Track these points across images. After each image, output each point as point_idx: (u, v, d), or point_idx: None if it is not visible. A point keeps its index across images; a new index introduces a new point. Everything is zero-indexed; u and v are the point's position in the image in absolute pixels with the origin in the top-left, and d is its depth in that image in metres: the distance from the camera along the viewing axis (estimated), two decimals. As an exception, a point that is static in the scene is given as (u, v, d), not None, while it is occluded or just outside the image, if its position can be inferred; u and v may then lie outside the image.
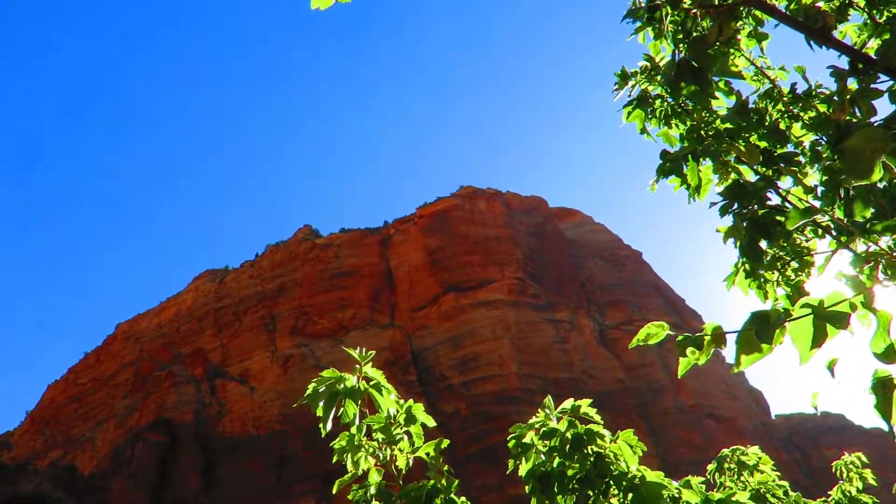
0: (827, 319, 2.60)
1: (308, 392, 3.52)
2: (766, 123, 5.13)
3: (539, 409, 4.75)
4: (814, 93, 5.28)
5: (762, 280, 4.92)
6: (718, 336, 2.86)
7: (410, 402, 3.65)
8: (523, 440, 4.68)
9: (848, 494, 7.62)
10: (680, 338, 2.75)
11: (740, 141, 5.04)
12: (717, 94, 5.04)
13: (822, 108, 5.24)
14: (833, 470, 7.92)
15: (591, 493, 4.41)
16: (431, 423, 3.68)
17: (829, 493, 7.73)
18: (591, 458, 4.55)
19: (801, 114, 5.37)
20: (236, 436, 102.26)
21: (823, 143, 5.15)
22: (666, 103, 5.17)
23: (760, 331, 2.61)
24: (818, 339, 2.59)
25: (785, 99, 5.34)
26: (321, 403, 3.45)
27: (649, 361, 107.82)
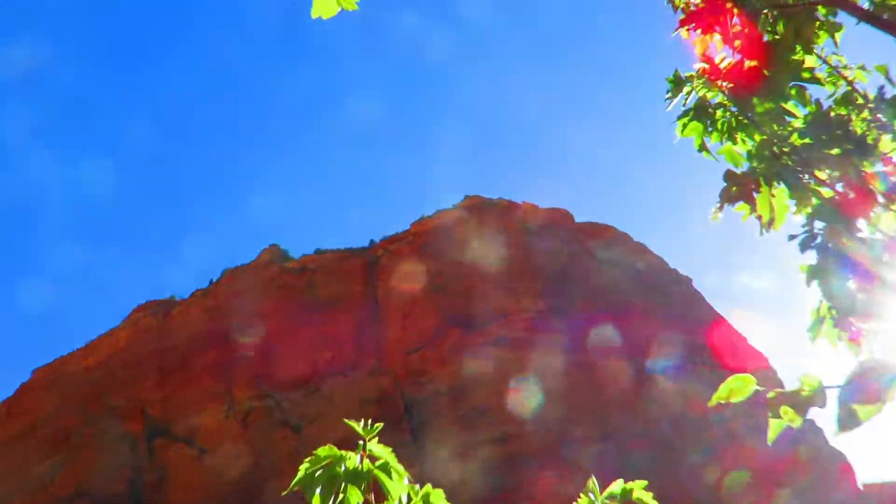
0: None
1: (300, 475, 3.61)
2: (852, 136, 5.28)
3: (581, 495, 4.84)
4: (903, 97, 5.43)
5: (853, 330, 5.04)
6: (819, 394, 2.93)
7: (428, 487, 3.74)
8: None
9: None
10: (772, 394, 2.86)
11: (832, 150, 5.16)
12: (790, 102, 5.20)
13: (917, 116, 5.39)
14: None
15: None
16: (452, 511, 3.77)
17: None
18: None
19: (892, 123, 5.51)
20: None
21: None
22: (729, 114, 5.33)
23: (872, 388, 2.68)
24: None
25: (870, 105, 5.49)
26: (318, 491, 3.54)
27: (700, 414, 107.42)
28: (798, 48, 4.19)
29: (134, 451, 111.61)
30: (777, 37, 4.29)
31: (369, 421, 3.64)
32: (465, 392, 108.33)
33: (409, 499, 3.71)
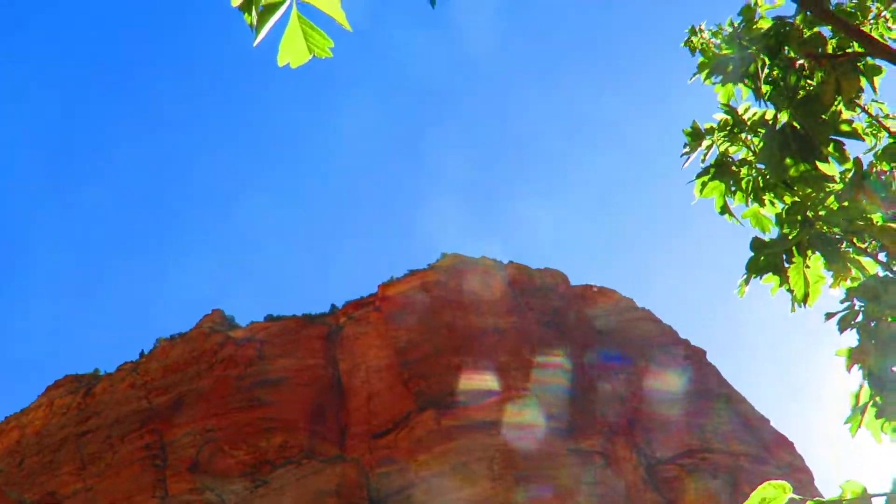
0: None
1: None
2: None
3: None
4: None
5: (900, 420, 5.07)
6: (864, 502, 2.96)
7: None
8: None
9: None
10: (811, 503, 2.88)
11: (874, 215, 5.22)
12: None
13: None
14: None
15: None
16: None
17: None
18: None
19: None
20: None
21: None
22: (755, 171, 5.41)
23: None
24: None
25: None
26: None
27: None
28: (838, 100, 4.26)
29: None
30: (813, 89, 4.37)
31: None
32: (442, 485, 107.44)
33: None
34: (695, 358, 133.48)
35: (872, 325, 4.98)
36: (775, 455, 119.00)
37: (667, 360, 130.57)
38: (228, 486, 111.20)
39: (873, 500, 3.11)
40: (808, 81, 4.21)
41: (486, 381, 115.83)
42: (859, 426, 5.35)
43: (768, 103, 4.90)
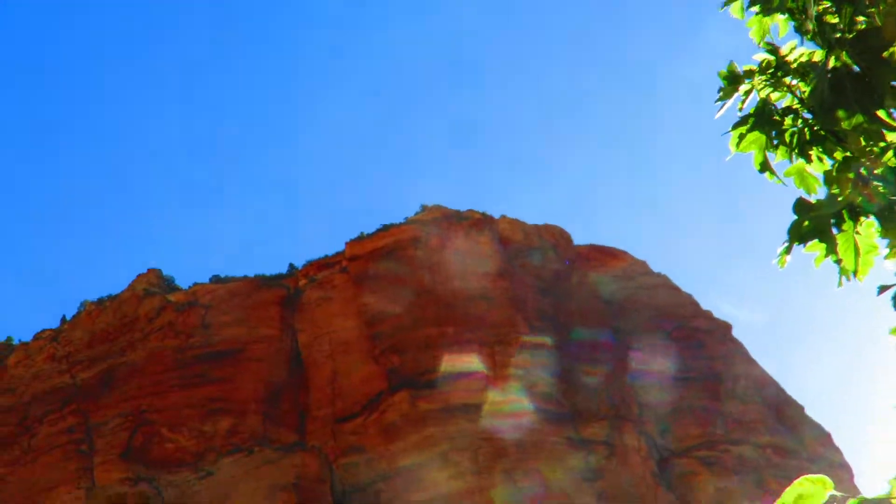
0: None
1: None
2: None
3: None
4: None
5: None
6: None
7: None
8: None
9: None
10: (852, 502, 3.00)
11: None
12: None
13: None
14: None
15: None
16: None
17: None
18: None
19: None
20: None
21: None
22: (802, 121, 5.47)
23: None
24: None
25: None
26: None
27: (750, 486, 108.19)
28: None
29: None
30: (870, 23, 4.43)
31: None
32: (417, 476, 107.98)
33: None
34: (718, 332, 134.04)
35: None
36: (809, 448, 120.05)
37: (684, 333, 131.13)
38: (167, 477, 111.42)
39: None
40: (863, 17, 4.26)
41: (471, 358, 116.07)
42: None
43: (815, 43, 4.97)
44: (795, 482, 3.34)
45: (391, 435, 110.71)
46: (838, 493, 3.29)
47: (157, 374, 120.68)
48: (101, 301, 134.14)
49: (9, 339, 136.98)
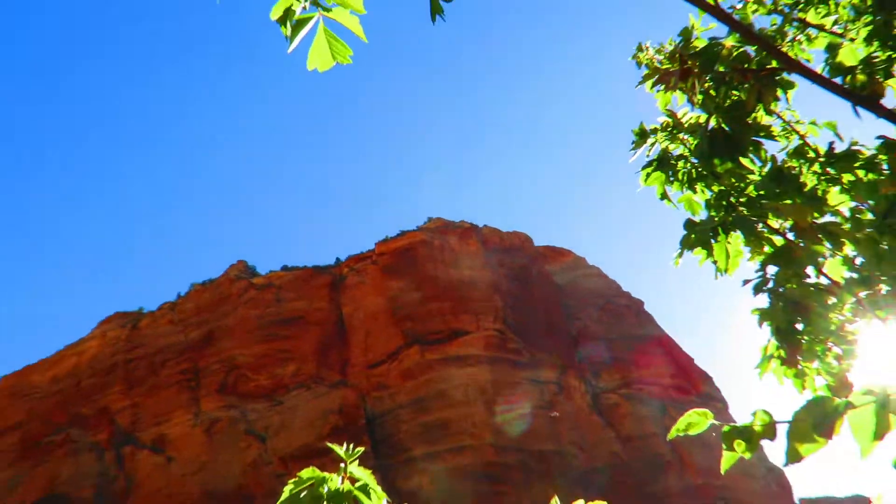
0: (893, 409, 2.81)
1: (284, 496, 3.67)
2: (804, 189, 5.46)
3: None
4: (852, 153, 5.63)
5: (799, 369, 5.20)
6: (770, 428, 3.06)
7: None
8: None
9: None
10: (726, 429, 2.98)
11: (785, 201, 5.32)
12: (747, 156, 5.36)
13: (862, 174, 5.58)
14: None
15: None
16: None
17: None
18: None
19: (840, 176, 5.71)
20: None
21: (865, 209, 5.49)
22: (690, 165, 5.49)
23: (819, 423, 2.82)
24: (881, 431, 2.79)
25: (821, 159, 5.69)
26: (302, 512, 3.60)
27: (650, 432, 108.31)
28: (759, 107, 4.36)
29: (101, 458, 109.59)
30: (738, 97, 4.45)
31: (351, 445, 3.71)
32: (425, 406, 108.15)
33: (392, 521, 3.78)
34: (634, 307, 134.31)
35: (780, 290, 5.09)
36: (697, 389, 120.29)
37: (611, 309, 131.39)
38: (250, 405, 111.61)
39: (777, 426, 3.24)
40: (734, 92, 4.29)
41: (463, 322, 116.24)
42: (766, 371, 5.49)
43: (701, 109, 4.99)
44: (685, 414, 3.33)
45: (406, 377, 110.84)
46: (717, 422, 3.28)
47: (243, 333, 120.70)
48: (204, 283, 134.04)
49: (140, 308, 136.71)
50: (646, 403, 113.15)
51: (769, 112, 4.80)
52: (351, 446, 3.95)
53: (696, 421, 3.28)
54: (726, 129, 4.23)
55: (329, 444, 4.10)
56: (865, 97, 4.18)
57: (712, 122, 4.39)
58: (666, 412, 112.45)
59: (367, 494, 3.95)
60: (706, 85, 4.79)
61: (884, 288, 5.20)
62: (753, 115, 4.55)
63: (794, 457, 3.00)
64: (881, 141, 4.32)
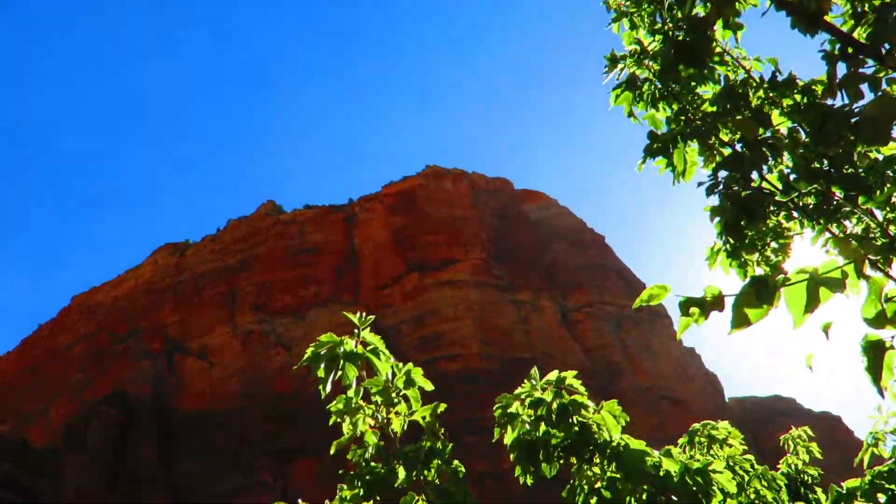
0: (822, 284, 2.76)
1: (308, 355, 3.60)
2: (752, 106, 5.29)
3: (525, 380, 4.88)
4: (791, 80, 5.45)
5: (742, 260, 5.11)
6: (718, 299, 2.98)
7: (410, 365, 3.75)
8: (509, 410, 4.81)
9: (794, 466, 7.95)
10: (682, 299, 2.89)
11: (734, 117, 5.18)
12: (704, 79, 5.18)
13: (799, 98, 5.41)
14: (781, 444, 8.24)
15: (575, 461, 4.57)
16: (429, 386, 3.79)
17: (777, 467, 8.02)
18: (576, 427, 4.69)
19: (781, 101, 5.54)
20: (194, 412, 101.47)
21: (801, 130, 5.33)
22: (654, 86, 5.29)
23: (760, 292, 2.75)
24: (812, 304, 2.74)
25: (765, 86, 5.51)
26: (322, 365, 3.53)
27: (608, 343, 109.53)
28: (718, 23, 4.18)
29: (155, 363, 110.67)
30: (700, 15, 4.26)
31: (363, 314, 3.65)
32: (422, 321, 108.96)
33: (394, 374, 3.74)
34: (597, 241, 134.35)
35: (729, 191, 4.98)
36: (647, 307, 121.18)
37: (578, 242, 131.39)
38: (278, 320, 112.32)
39: (726, 299, 3.15)
40: (698, 8, 4.09)
41: (454, 252, 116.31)
42: (714, 264, 5.40)
43: (647, 32, 4.86)
44: (647, 288, 3.21)
45: (407, 298, 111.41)
46: (676, 295, 3.16)
47: (273, 261, 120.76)
48: (239, 219, 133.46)
49: (187, 240, 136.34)
50: (605, 320, 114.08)
51: (727, 26, 4.59)
52: (363, 314, 3.86)
53: (656, 293, 3.17)
54: (689, 39, 4.04)
55: (345, 312, 4.02)
56: (810, 14, 3.98)
57: (679, 35, 4.20)
58: (621, 327, 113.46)
59: (377, 355, 3.89)
60: (671, 2, 4.60)
61: (811, 200, 5.10)
62: (711, 29, 4.36)
63: (740, 322, 2.92)
64: (822, 54, 4.13)
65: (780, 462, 8.01)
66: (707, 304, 3.04)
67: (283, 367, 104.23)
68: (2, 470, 69.90)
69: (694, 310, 3.08)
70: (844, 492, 4.01)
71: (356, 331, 3.73)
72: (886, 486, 4.44)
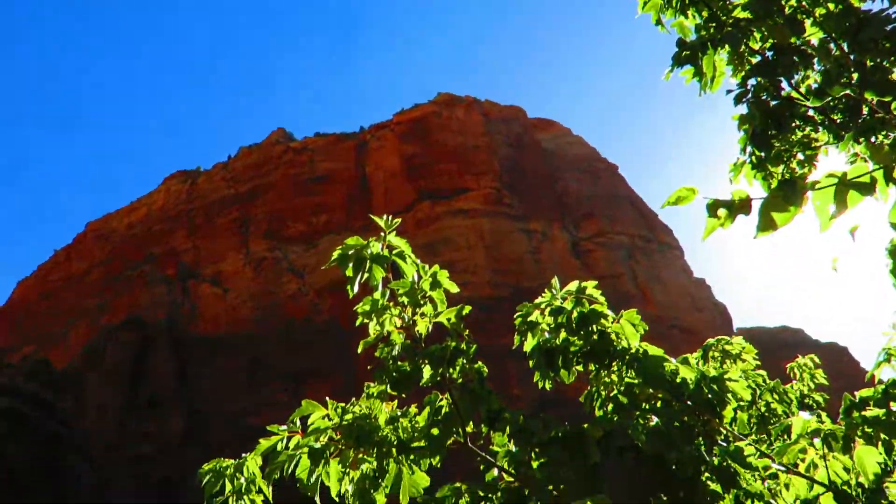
0: (852, 187, 2.75)
1: (335, 256, 3.63)
2: (784, 12, 5.13)
3: (545, 290, 4.92)
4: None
5: (768, 172, 5.04)
6: (746, 202, 2.98)
7: (436, 267, 3.79)
8: (529, 318, 4.87)
9: (800, 392, 8.06)
10: (710, 201, 2.88)
11: (769, 22, 5.02)
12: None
13: (832, 7, 5.23)
14: (787, 372, 8.33)
15: (594, 367, 4.65)
16: (455, 288, 3.84)
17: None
18: (595, 336, 4.76)
19: (814, 10, 5.36)
20: (209, 336, 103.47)
21: (832, 42, 5.18)
22: (684, -7, 5.12)
23: (789, 193, 2.74)
24: (840, 207, 2.74)
25: (799, -6, 5.32)
26: (350, 265, 3.57)
27: (619, 273, 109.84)
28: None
29: (170, 289, 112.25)
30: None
31: (389, 217, 3.66)
32: (434, 250, 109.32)
33: (420, 277, 3.78)
34: (609, 169, 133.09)
35: (757, 98, 4.91)
36: (658, 237, 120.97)
37: (590, 171, 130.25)
38: (290, 248, 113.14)
39: (753, 202, 3.13)
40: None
41: (466, 181, 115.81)
42: (738, 176, 5.35)
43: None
44: (675, 190, 3.18)
45: (419, 226, 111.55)
46: (705, 197, 3.14)
47: (283, 189, 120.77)
48: (251, 146, 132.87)
49: (198, 167, 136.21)
50: (616, 250, 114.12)
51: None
52: (389, 218, 3.87)
53: (684, 195, 3.15)
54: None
55: (371, 216, 4.03)
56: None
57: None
58: (632, 257, 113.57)
59: (403, 259, 3.92)
60: None
61: (838, 116, 5.03)
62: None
63: (766, 226, 2.91)
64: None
65: (786, 388, 8.10)
66: (734, 207, 3.03)
67: (295, 294, 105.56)
68: (28, 390, 72.02)
69: (722, 212, 3.07)
70: (857, 400, 4.08)
71: (382, 234, 3.75)
72: (901, 394, 4.49)
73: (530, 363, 4.85)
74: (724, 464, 3.60)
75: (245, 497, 4.82)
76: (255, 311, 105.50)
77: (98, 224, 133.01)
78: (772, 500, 3.45)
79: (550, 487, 3.24)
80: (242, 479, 4.93)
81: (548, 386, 4.76)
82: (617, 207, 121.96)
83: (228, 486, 4.95)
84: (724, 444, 3.85)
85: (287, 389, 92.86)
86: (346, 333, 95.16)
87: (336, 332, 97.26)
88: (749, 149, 5.14)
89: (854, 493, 3.75)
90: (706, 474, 3.61)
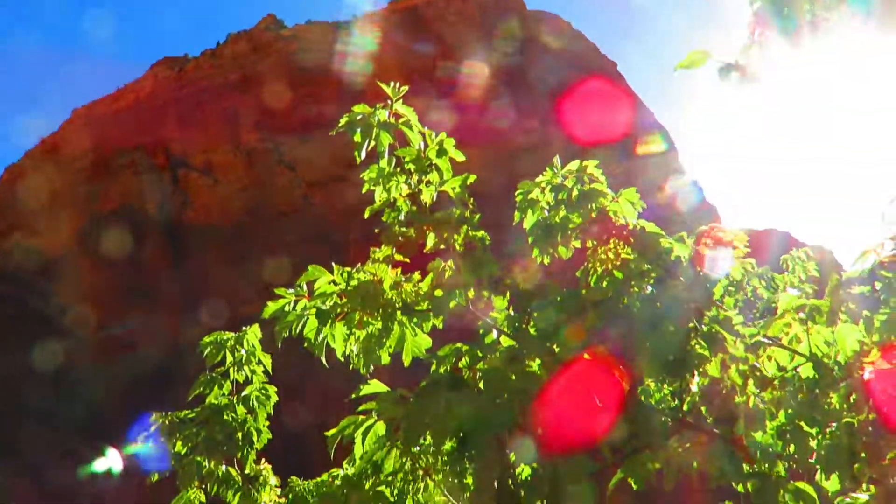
0: None
1: (343, 122, 3.68)
2: None
3: (546, 169, 5.00)
4: None
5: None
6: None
7: (443, 135, 3.84)
8: (529, 196, 4.98)
9: (790, 283, 8.27)
10: (721, 65, 2.93)
11: None
12: None
13: None
14: (780, 264, 8.50)
15: (591, 244, 4.79)
16: (461, 157, 3.90)
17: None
18: (594, 213, 4.88)
19: None
20: (201, 226, 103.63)
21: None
22: None
23: None
24: None
25: None
26: (358, 130, 3.62)
27: (612, 172, 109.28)
28: None
29: (160, 179, 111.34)
30: None
31: (397, 84, 3.68)
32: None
33: (426, 145, 3.84)
34: (609, 67, 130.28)
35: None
36: (647, 143, 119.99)
37: (589, 69, 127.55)
38: (282, 139, 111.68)
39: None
40: None
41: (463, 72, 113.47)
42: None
43: None
44: (688, 53, 3.21)
45: (419, 118, 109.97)
46: (714, 59, 3.15)
47: (274, 79, 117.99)
48: (239, 33, 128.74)
49: (186, 54, 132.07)
50: (610, 150, 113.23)
51: None
52: (397, 85, 3.88)
53: (697, 58, 3.20)
54: None
55: (378, 82, 4.03)
56: None
57: None
58: (629, 155, 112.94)
59: (409, 127, 3.97)
60: None
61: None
62: None
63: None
64: None
65: (776, 275, 8.29)
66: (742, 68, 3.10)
67: (288, 187, 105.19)
68: (24, 277, 72.91)
69: (734, 74, 3.14)
70: (843, 279, 4.23)
71: (389, 101, 3.77)
72: (885, 274, 4.66)
73: (529, 239, 5.00)
74: (713, 330, 3.80)
75: (245, 367, 5.03)
76: (246, 203, 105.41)
77: (84, 111, 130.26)
78: (756, 363, 3.67)
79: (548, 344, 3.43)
80: (243, 351, 5.13)
81: (546, 261, 4.93)
82: (617, 102, 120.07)
83: (230, 358, 5.16)
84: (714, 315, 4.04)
85: (281, 279, 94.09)
86: (337, 231, 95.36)
87: (328, 226, 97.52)
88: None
89: (833, 367, 3.97)
90: (695, 340, 3.82)
